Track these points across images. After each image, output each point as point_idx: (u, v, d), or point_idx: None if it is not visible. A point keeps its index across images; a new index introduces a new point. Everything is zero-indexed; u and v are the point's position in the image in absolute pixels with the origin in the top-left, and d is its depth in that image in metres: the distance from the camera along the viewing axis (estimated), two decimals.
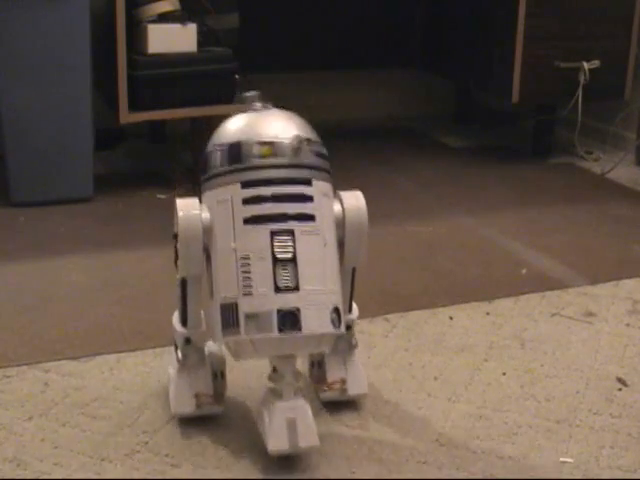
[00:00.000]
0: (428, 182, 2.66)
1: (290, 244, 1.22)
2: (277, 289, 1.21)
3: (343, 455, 1.31)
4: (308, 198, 1.25)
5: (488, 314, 1.80)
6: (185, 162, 2.70)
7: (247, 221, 1.23)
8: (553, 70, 2.73)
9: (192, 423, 1.37)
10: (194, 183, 2.51)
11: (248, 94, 1.31)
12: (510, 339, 1.69)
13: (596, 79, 2.76)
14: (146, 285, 1.88)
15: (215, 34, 2.46)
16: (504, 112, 3.34)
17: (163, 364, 1.55)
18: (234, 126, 1.28)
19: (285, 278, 1.21)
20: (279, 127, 1.27)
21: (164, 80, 2.35)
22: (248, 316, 1.21)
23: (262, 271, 1.22)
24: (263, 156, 1.24)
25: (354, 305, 1.44)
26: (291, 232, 1.23)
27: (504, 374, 1.56)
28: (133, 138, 2.94)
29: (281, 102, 2.68)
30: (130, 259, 2.02)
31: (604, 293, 1.91)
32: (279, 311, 1.20)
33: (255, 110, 1.30)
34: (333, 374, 1.42)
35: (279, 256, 1.22)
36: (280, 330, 1.20)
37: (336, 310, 1.24)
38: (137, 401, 1.43)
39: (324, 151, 1.29)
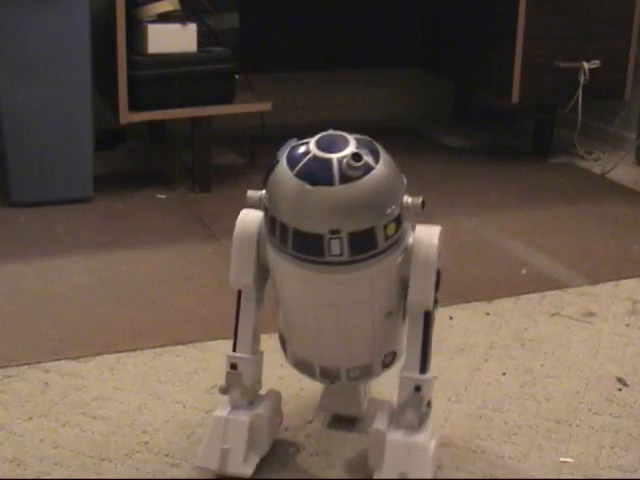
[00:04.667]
0: (428, 182, 2.66)
1: None
2: None
3: (343, 455, 1.31)
4: None
5: (488, 314, 1.80)
6: (185, 162, 2.70)
7: None
8: (553, 70, 2.73)
9: (192, 423, 1.37)
10: (194, 183, 2.51)
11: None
12: (510, 339, 1.69)
13: (596, 79, 2.76)
14: (146, 285, 1.88)
15: (215, 34, 2.46)
16: (504, 112, 3.34)
17: (163, 364, 1.55)
18: None
19: None
20: None
21: (164, 80, 2.35)
22: None
23: None
24: None
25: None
26: None
27: (504, 374, 1.56)
28: (133, 138, 2.94)
29: (281, 102, 2.70)
30: (130, 259, 2.02)
31: (604, 293, 1.91)
32: None
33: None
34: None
35: None
36: None
37: None
38: (137, 401, 1.43)
39: None
